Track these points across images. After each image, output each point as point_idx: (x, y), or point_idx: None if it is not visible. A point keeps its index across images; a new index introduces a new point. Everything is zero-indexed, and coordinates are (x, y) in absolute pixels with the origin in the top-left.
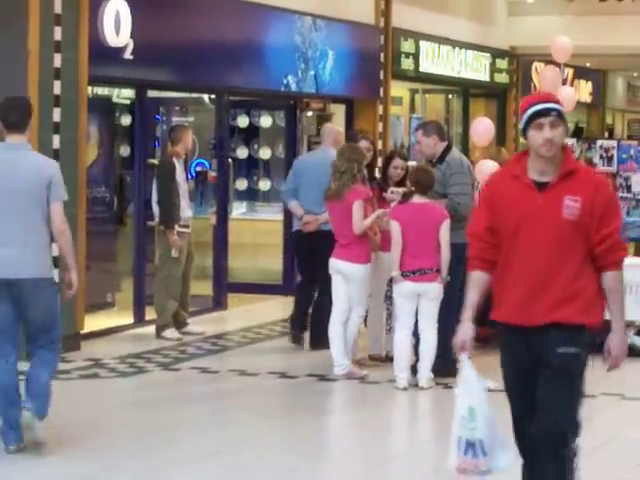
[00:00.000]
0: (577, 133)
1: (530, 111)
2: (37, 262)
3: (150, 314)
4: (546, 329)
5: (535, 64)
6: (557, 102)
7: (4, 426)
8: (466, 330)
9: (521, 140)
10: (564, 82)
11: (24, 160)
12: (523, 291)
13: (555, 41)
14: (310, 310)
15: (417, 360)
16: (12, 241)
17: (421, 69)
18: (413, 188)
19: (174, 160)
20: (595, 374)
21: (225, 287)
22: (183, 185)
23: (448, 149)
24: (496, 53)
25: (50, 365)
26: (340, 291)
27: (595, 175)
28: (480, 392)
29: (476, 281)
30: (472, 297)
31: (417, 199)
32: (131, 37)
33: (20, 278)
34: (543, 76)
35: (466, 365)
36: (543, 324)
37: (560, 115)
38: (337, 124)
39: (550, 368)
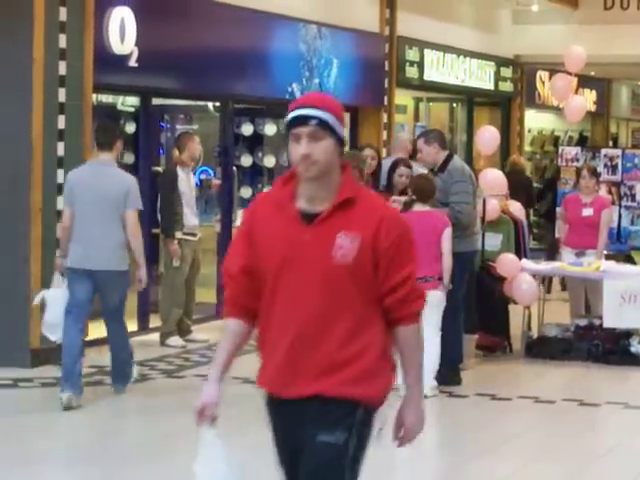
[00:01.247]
0: (581, 142)
1: (287, 118)
2: (112, 257)
3: (154, 322)
4: (306, 405)
5: (540, 73)
6: (326, 107)
7: (62, 376)
8: (210, 392)
9: (527, 148)
10: None
11: (108, 174)
12: (282, 353)
13: (570, 51)
14: None
15: None
16: (94, 239)
17: (425, 77)
18: (414, 197)
19: (177, 169)
20: (599, 382)
21: None
22: (189, 193)
23: (450, 158)
24: (501, 61)
25: (122, 337)
26: None
27: (381, 205)
28: (224, 469)
29: (229, 331)
30: (221, 352)
31: (418, 207)
32: (136, 45)
33: (98, 270)
34: (554, 85)
35: (208, 437)
36: (302, 397)
37: (324, 124)
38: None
39: (308, 461)
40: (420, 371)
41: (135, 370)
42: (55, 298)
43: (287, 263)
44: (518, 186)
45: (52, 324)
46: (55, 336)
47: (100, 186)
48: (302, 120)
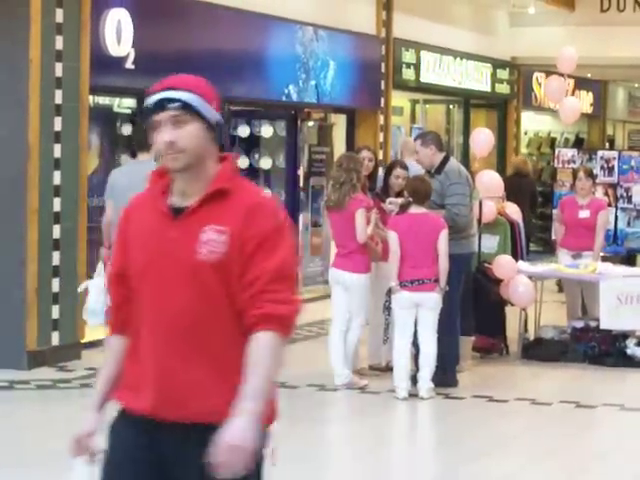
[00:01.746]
0: (578, 144)
1: (145, 105)
2: None
3: None
4: (186, 432)
5: (536, 74)
6: (189, 88)
7: None
8: (89, 422)
9: (523, 150)
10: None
11: (147, 172)
12: (150, 365)
13: (562, 52)
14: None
15: (417, 370)
16: None
17: (422, 79)
18: (410, 198)
19: None
20: (595, 384)
21: None
22: None
23: (446, 159)
24: (497, 63)
25: None
26: (340, 301)
27: (253, 195)
28: None
29: (110, 352)
30: (102, 378)
31: (415, 209)
32: (132, 47)
33: None
34: (549, 86)
35: (79, 469)
36: (179, 422)
37: (188, 107)
38: (338, 134)
39: None
40: (260, 388)
41: None
42: (97, 285)
43: (151, 263)
44: (522, 189)
45: (93, 310)
46: (94, 321)
47: (139, 183)
48: (161, 105)
